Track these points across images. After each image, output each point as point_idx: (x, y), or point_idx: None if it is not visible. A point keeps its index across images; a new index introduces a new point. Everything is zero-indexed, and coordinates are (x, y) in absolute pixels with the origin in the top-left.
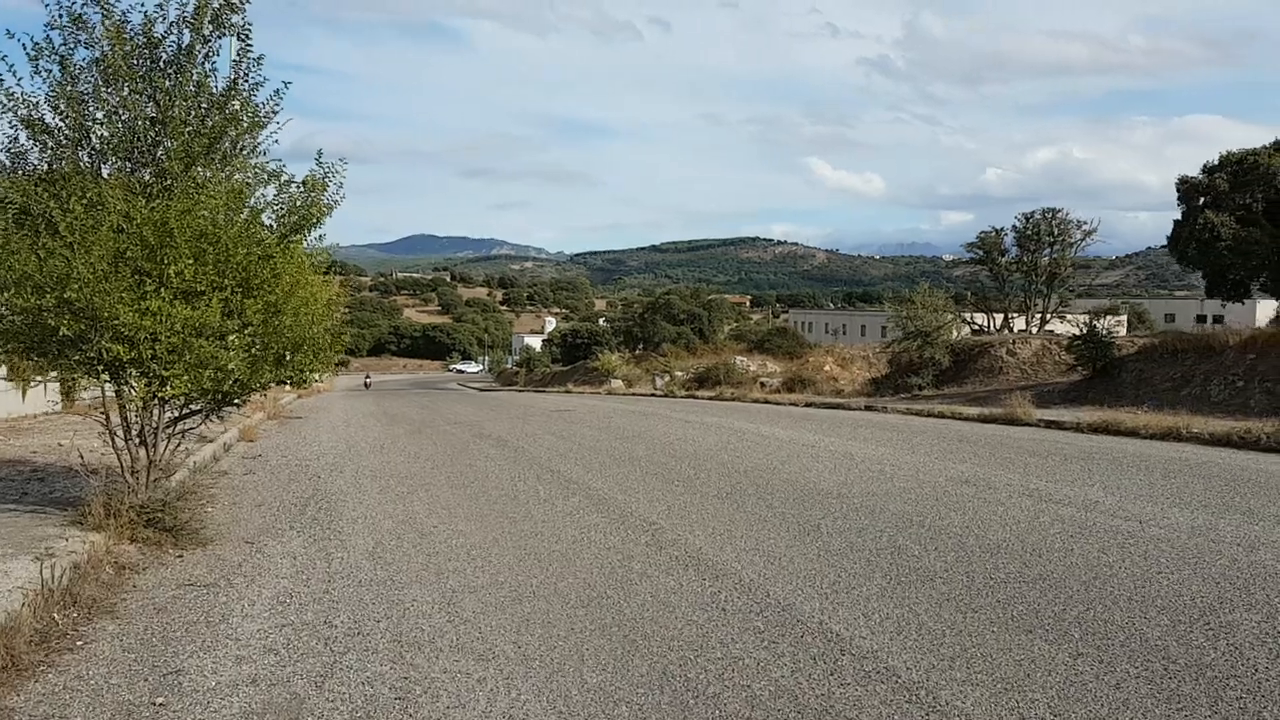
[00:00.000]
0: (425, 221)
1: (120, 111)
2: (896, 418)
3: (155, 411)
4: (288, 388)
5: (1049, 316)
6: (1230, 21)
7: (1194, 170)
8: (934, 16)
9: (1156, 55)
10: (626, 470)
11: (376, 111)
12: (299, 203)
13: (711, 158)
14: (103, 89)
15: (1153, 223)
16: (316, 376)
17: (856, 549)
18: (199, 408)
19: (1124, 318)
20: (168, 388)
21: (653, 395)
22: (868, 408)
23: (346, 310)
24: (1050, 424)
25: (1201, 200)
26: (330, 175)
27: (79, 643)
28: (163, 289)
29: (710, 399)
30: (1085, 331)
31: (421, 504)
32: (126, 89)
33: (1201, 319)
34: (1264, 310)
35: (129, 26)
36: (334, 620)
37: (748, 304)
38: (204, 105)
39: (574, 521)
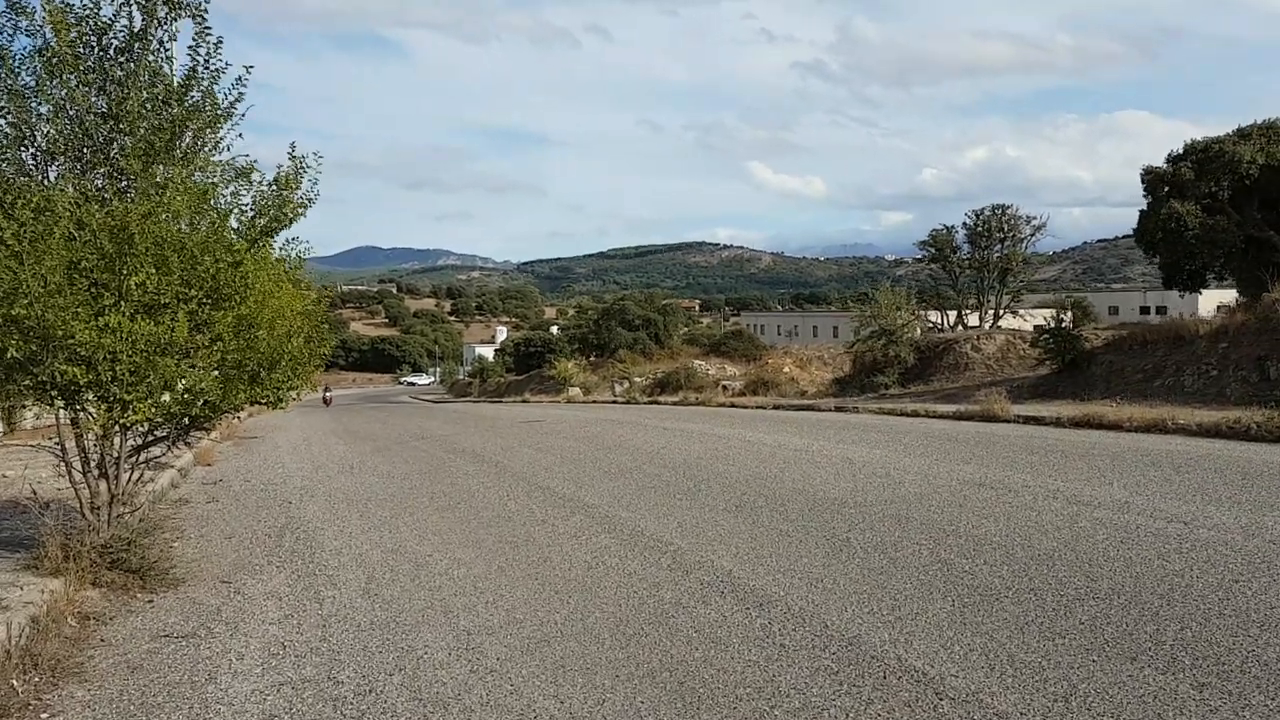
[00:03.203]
0: (368, 234)
1: (68, 106)
2: (872, 418)
3: (116, 439)
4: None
5: (1002, 312)
6: (1152, 18)
7: (1124, 166)
8: (865, 20)
9: (1082, 53)
10: (620, 484)
11: (314, 124)
12: (269, 202)
13: (654, 164)
14: (47, 81)
15: (1086, 218)
16: (294, 395)
17: (900, 565)
18: (165, 434)
19: (1070, 312)
20: (130, 413)
21: (613, 402)
22: (838, 409)
23: (327, 322)
24: (1029, 419)
25: (1166, 190)
26: (303, 171)
27: (44, 715)
28: (123, 303)
29: (675, 404)
30: (1052, 325)
31: (409, 529)
32: (74, 80)
33: (1145, 310)
34: (1207, 301)
35: (73, 10)
36: (338, 675)
37: (697, 308)
38: (161, 96)
39: (582, 544)
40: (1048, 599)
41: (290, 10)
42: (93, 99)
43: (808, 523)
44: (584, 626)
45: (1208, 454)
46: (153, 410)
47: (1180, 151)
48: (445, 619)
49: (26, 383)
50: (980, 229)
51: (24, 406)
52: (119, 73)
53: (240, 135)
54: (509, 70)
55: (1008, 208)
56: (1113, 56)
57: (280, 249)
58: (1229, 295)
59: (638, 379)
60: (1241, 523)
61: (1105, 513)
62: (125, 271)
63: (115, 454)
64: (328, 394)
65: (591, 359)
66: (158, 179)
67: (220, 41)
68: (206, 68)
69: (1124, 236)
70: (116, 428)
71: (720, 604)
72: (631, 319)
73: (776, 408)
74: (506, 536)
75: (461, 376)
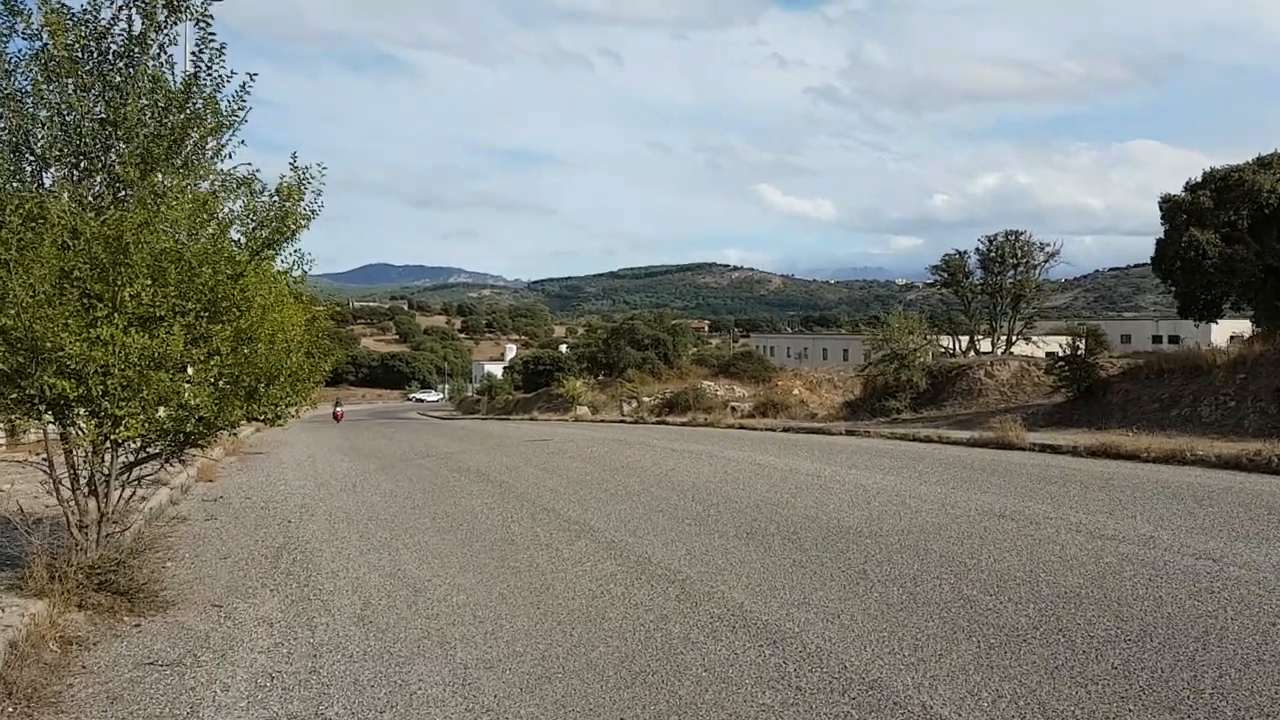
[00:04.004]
0: (380, 251)
1: (64, 111)
2: (884, 443)
3: (107, 456)
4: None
5: (1014, 338)
6: (1157, 46)
7: (1136, 194)
8: (876, 45)
9: (1090, 81)
10: (627, 507)
11: (325, 143)
12: (272, 214)
13: (664, 185)
14: (43, 85)
15: (1098, 246)
16: (294, 412)
17: (920, 601)
18: (158, 450)
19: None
20: (121, 429)
21: (621, 422)
22: (849, 432)
23: (329, 335)
24: (1045, 448)
25: (1184, 218)
26: (306, 182)
27: None
28: (116, 314)
29: (683, 425)
30: (1068, 353)
31: (409, 552)
32: (71, 85)
33: (1158, 339)
34: (1220, 331)
35: (71, 13)
36: (326, 711)
37: (706, 329)
38: (161, 103)
39: (586, 571)
40: (1077, 641)
41: (299, 30)
42: (90, 104)
43: (822, 553)
44: (587, 662)
45: (1229, 487)
46: (145, 426)
47: (1199, 180)
48: (442, 650)
49: (14, 396)
50: (994, 254)
51: (12, 420)
52: (118, 78)
53: (243, 143)
54: (519, 91)
55: (1021, 233)
56: (1120, 84)
57: (283, 261)
58: (1242, 325)
59: (646, 399)
60: (1273, 561)
61: (1131, 548)
62: (119, 282)
63: (105, 471)
64: (339, 409)
65: (600, 378)
66: (156, 187)
67: (224, 47)
68: (209, 74)
69: (1135, 265)
70: (107, 444)
71: (732, 640)
72: (641, 339)
73: (786, 430)
74: (509, 561)
75: (470, 394)
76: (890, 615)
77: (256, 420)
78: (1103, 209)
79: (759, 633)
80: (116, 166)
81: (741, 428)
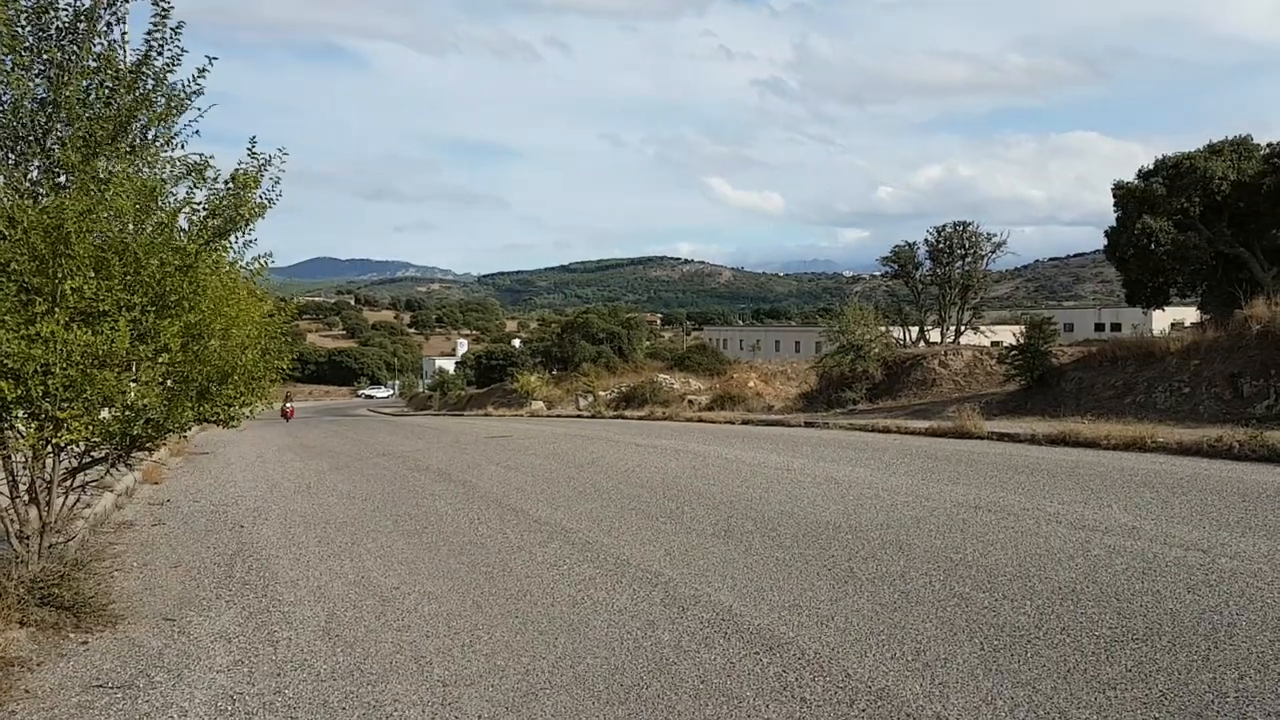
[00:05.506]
0: (326, 244)
1: (1, 91)
2: (845, 434)
3: (48, 461)
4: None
5: (963, 328)
6: (1103, 40)
7: (1075, 185)
8: (821, 38)
9: (1034, 74)
10: (598, 505)
11: (270, 134)
12: (225, 202)
13: (616, 178)
14: None
15: (1038, 236)
16: (248, 412)
17: (913, 600)
18: (103, 454)
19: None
20: (63, 432)
21: (578, 416)
22: (809, 424)
23: (285, 334)
24: (1003, 436)
25: (1136, 204)
26: (265, 169)
27: None
28: (56, 309)
29: (641, 419)
30: (1023, 341)
31: (373, 558)
32: (9, 63)
33: (1100, 327)
34: (1162, 318)
35: None
36: None
37: (658, 322)
38: (108, 84)
39: (564, 575)
40: (1084, 641)
41: (247, 19)
42: (29, 83)
43: (804, 550)
44: (575, 675)
45: (1196, 474)
46: (89, 429)
47: (1151, 167)
48: (417, 666)
49: None
50: (942, 245)
51: None
52: (60, 55)
53: (198, 133)
54: (470, 82)
55: (969, 224)
56: (1064, 77)
57: (236, 253)
58: (1185, 313)
59: (602, 393)
60: (1262, 551)
61: (1115, 539)
62: (60, 275)
63: (47, 477)
64: (288, 405)
65: (554, 373)
66: (100, 173)
67: (180, 26)
68: (161, 54)
69: (1075, 255)
70: (48, 448)
71: (725, 647)
72: (595, 333)
73: (746, 423)
74: (480, 566)
75: (421, 389)
76: (885, 616)
77: (208, 421)
78: (1043, 200)
79: (753, 639)
80: (56, 150)
81: (701, 421)
